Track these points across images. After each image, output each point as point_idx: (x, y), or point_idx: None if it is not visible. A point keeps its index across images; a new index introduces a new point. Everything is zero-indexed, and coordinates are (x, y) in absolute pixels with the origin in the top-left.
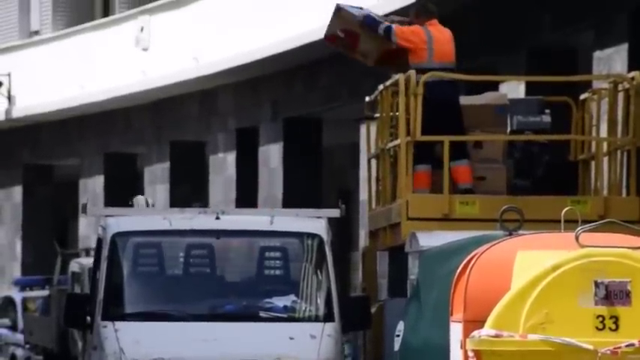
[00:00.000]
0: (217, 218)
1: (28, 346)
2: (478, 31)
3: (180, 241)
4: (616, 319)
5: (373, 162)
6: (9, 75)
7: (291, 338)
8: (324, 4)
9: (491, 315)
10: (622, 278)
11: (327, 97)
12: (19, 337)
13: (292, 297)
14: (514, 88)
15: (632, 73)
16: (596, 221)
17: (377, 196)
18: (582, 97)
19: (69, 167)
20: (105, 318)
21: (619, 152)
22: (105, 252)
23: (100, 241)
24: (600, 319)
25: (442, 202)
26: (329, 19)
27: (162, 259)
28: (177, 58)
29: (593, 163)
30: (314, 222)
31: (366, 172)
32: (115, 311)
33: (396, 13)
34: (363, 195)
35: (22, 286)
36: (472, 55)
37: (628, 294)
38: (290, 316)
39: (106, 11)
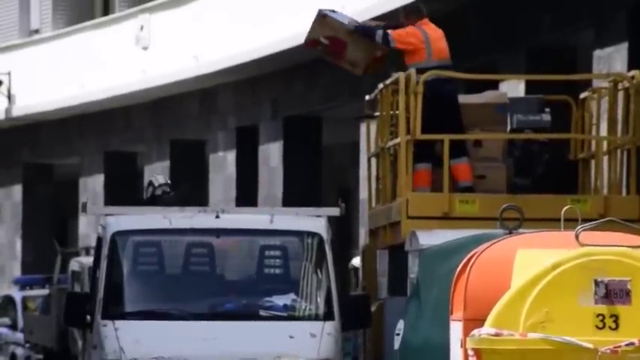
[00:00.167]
0: (217, 217)
1: (28, 345)
2: (478, 29)
3: (180, 239)
4: (616, 318)
5: (373, 160)
6: (9, 74)
7: (291, 337)
8: (324, 3)
9: (492, 314)
10: (622, 277)
11: (327, 95)
12: (19, 336)
13: (292, 296)
14: (514, 87)
15: (632, 72)
16: (596, 220)
17: (377, 195)
18: (582, 95)
19: (69, 166)
20: (105, 317)
21: (619, 151)
22: (105, 251)
23: (99, 240)
24: (600, 317)
25: (442, 200)
26: (311, 24)
27: (162, 257)
28: (178, 56)
29: (593, 162)
30: (314, 221)
31: (366, 170)
32: (115, 310)
33: (397, 12)
34: (363, 194)
35: (22, 285)
36: (472, 54)
37: (628, 293)
38: (290, 314)
39: (106, 10)
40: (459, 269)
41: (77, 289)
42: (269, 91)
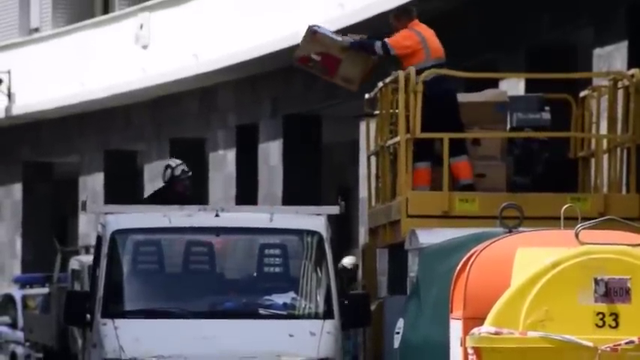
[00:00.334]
0: (217, 215)
1: (28, 343)
2: (478, 28)
3: (180, 238)
4: (616, 317)
5: (373, 159)
6: (9, 72)
7: (291, 335)
8: (324, 1)
9: (491, 312)
10: (622, 275)
11: (327, 94)
12: (19, 334)
13: (292, 294)
14: (514, 86)
15: (632, 71)
16: (595, 218)
17: (377, 194)
18: (582, 94)
19: (69, 164)
20: (105, 315)
21: (619, 150)
22: (104, 249)
23: (99, 239)
24: (600, 316)
25: (442, 199)
26: (301, 40)
27: (161, 256)
28: (177, 55)
29: (592, 161)
30: (314, 219)
31: (365, 169)
32: (115, 309)
33: (396, 11)
34: (363, 192)
35: (22, 283)
36: (472, 53)
37: (628, 291)
38: (290, 313)
39: (106, 8)
40: (458, 268)
41: (77, 287)
42: (269, 89)
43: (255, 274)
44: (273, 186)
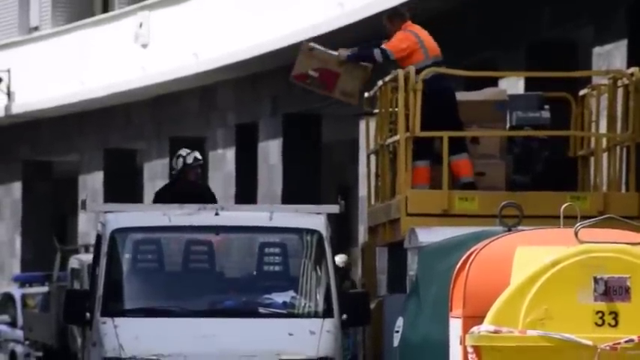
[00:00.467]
0: (217, 214)
1: (27, 342)
2: (477, 26)
3: (180, 237)
4: (615, 315)
5: (372, 158)
6: (8, 71)
7: (291, 334)
8: (323, 1)
9: (491, 311)
10: (621, 274)
11: None
12: (19, 333)
13: (291, 293)
14: (513, 84)
15: (632, 69)
16: (595, 217)
17: (376, 192)
18: (582, 92)
19: (68, 163)
20: (104, 314)
21: (618, 148)
22: (104, 248)
23: (99, 238)
24: (600, 314)
25: (441, 197)
26: (297, 58)
27: (161, 255)
28: (177, 53)
29: (592, 159)
30: (313, 218)
31: (365, 167)
32: (115, 307)
33: (389, 14)
34: (363, 191)
35: (22, 282)
36: (471, 51)
37: (627, 290)
38: (289, 312)
39: (106, 7)
40: (458, 266)
41: (77, 286)
42: (269, 88)
43: (254, 273)
44: (273, 185)
